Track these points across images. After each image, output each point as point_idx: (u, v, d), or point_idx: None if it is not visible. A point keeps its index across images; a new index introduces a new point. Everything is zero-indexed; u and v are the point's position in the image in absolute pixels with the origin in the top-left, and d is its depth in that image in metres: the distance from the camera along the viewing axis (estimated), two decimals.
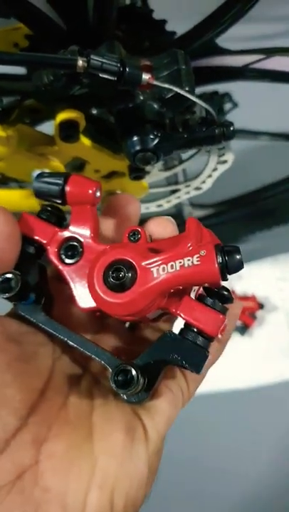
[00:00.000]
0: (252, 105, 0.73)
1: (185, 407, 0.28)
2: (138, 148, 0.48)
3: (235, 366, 0.86)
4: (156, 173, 0.61)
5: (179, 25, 0.56)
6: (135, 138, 0.48)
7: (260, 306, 0.88)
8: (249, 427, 0.83)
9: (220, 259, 0.26)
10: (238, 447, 0.82)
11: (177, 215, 0.85)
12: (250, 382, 0.85)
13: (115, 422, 0.24)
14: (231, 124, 0.49)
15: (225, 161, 0.60)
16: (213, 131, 0.49)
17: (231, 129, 0.49)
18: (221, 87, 0.64)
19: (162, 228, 0.31)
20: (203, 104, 0.47)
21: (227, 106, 0.67)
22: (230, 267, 0.26)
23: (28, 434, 0.21)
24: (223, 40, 0.56)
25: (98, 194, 0.30)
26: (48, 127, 0.54)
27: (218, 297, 0.28)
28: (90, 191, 0.29)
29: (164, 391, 0.27)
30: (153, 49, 0.55)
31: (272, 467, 0.81)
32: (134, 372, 0.25)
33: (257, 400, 0.84)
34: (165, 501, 0.76)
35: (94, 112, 0.52)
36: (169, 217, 0.32)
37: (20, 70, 0.56)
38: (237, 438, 0.82)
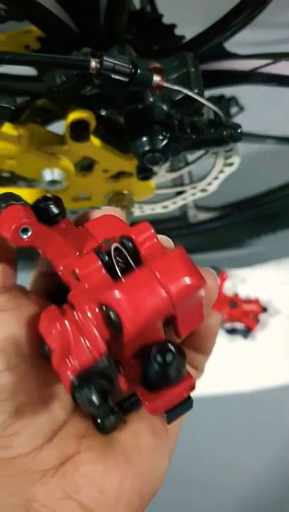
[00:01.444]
0: (258, 109, 0.74)
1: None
2: (147, 148, 0.49)
3: (238, 369, 0.86)
4: (163, 174, 0.62)
5: (188, 29, 0.58)
6: (144, 138, 0.49)
7: (264, 309, 0.88)
8: (250, 429, 0.84)
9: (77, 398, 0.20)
10: (240, 449, 0.82)
11: (182, 217, 0.86)
12: (253, 385, 0.85)
13: (142, 423, 0.25)
14: (239, 126, 0.50)
15: (231, 164, 0.61)
16: (221, 132, 0.50)
17: (239, 131, 0.50)
18: (227, 91, 0.65)
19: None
20: (212, 106, 0.48)
21: (233, 109, 0.69)
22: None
23: (72, 428, 0.23)
24: (231, 45, 0.58)
25: (25, 236, 0.23)
26: (58, 127, 0.55)
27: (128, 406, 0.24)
28: (10, 227, 0.23)
29: None
30: (162, 52, 0.57)
31: (273, 469, 0.81)
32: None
33: (259, 402, 0.85)
34: (168, 496, 0.77)
35: (103, 112, 0.53)
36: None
37: (30, 72, 0.57)
38: (238, 440, 0.83)
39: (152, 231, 0.25)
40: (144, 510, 0.23)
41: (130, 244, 0.24)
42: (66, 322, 0.21)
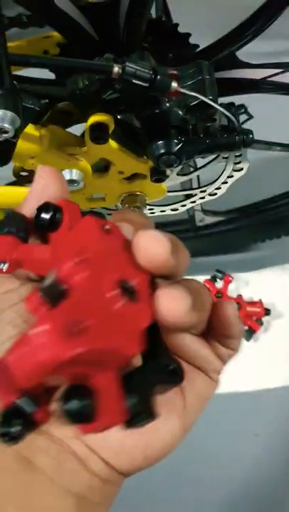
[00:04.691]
0: (265, 117, 0.76)
1: None
2: (163, 151, 0.51)
3: (240, 371, 0.88)
4: (174, 177, 0.64)
5: (201, 38, 0.60)
6: (160, 142, 0.52)
7: (267, 312, 0.90)
8: (251, 431, 0.85)
9: None
10: (241, 450, 0.83)
11: (189, 220, 0.88)
12: (254, 386, 0.86)
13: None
14: (251, 131, 0.53)
15: (241, 169, 0.64)
16: (234, 137, 0.52)
17: (251, 136, 0.52)
18: (236, 99, 0.67)
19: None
20: (226, 112, 0.50)
21: (242, 117, 0.71)
22: None
23: None
24: (243, 55, 0.60)
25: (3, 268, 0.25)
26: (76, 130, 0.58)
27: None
28: None
29: None
30: (176, 60, 0.59)
31: (273, 471, 0.82)
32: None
33: (260, 404, 0.86)
34: (168, 493, 0.78)
35: (121, 116, 0.55)
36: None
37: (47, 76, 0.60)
38: (238, 442, 0.84)
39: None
40: (147, 467, 0.26)
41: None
42: None
